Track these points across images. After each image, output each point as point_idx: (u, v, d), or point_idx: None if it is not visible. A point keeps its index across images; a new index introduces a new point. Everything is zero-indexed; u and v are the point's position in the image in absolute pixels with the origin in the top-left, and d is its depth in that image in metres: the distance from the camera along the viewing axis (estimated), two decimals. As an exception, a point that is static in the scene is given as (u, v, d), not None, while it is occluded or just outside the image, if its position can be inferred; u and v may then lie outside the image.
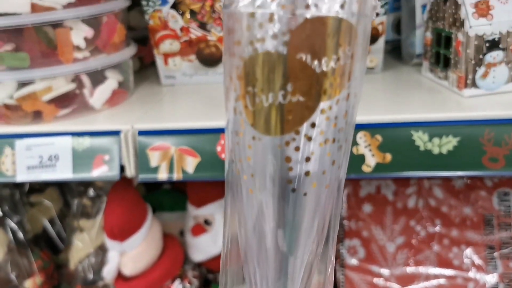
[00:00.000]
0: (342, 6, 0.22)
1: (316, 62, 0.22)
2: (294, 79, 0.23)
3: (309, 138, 0.24)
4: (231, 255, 0.31)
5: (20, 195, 0.94)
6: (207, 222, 0.82)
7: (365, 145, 0.59)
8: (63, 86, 0.68)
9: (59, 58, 0.67)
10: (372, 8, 0.25)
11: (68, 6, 0.65)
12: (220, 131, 0.62)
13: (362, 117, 0.59)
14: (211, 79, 0.80)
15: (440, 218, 0.77)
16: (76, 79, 0.69)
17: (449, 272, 0.75)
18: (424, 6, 0.74)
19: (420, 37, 0.75)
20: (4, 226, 0.86)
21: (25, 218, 0.92)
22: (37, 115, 0.69)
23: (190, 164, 0.62)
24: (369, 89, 0.72)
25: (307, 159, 0.24)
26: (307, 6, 0.22)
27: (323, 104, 0.23)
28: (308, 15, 0.22)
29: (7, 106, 0.68)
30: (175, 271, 0.80)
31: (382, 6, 0.72)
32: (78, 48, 0.68)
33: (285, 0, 0.22)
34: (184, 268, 0.85)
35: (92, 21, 0.68)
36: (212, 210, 0.81)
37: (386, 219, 0.78)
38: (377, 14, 0.73)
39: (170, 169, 0.63)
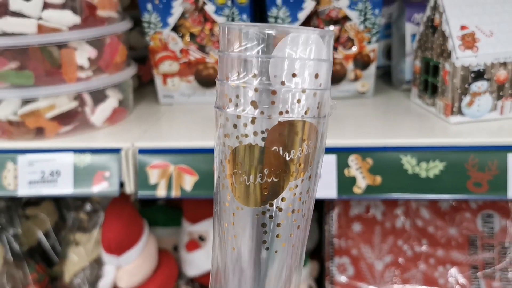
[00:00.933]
0: (306, 112, 0.30)
1: (286, 153, 0.29)
2: (269, 165, 0.30)
3: (279, 209, 0.31)
4: (219, 273, 0.35)
5: (16, 208, 0.96)
6: (201, 238, 0.84)
7: (356, 168, 0.62)
8: (65, 104, 0.71)
9: (63, 77, 0.69)
10: (330, 108, 0.32)
11: (73, 27, 0.68)
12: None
13: (354, 141, 0.62)
14: (208, 99, 0.83)
15: (427, 238, 0.80)
16: (79, 97, 0.72)
17: (434, 290, 0.78)
18: (413, 35, 0.78)
19: (410, 65, 0.79)
20: (1, 238, 0.87)
21: (21, 231, 0.94)
22: (39, 132, 0.71)
23: (188, 182, 0.65)
24: (361, 113, 0.75)
25: (278, 225, 0.31)
26: (281, 113, 0.29)
27: (291, 184, 0.30)
28: (281, 119, 0.29)
29: (10, 122, 0.70)
30: (169, 285, 0.82)
31: (374, 35, 0.76)
32: (81, 68, 0.70)
33: (264, 108, 0.29)
34: (178, 283, 0.86)
35: (96, 42, 0.71)
36: (207, 227, 0.84)
37: (374, 238, 0.81)
38: (369, 42, 0.77)
39: (169, 187, 0.65)
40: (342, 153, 0.62)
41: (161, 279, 0.80)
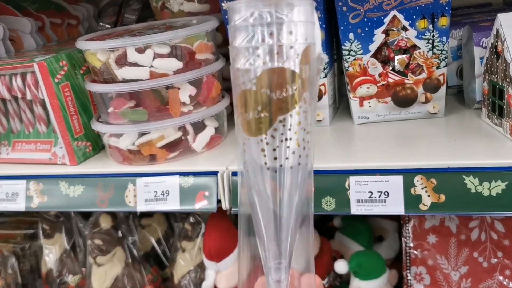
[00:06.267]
0: (284, 62, 0.38)
1: (272, 93, 0.38)
2: (261, 103, 0.38)
3: (273, 137, 0.39)
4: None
5: (133, 219, 1.13)
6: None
7: (421, 187, 0.69)
8: (172, 135, 0.85)
9: (169, 112, 0.84)
10: (318, 60, 0.40)
11: (177, 71, 0.82)
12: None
13: (419, 162, 0.69)
14: (404, 117, 0.88)
15: (502, 251, 0.83)
16: (182, 128, 0.85)
17: (510, 301, 0.82)
18: (482, 58, 0.82)
19: (479, 86, 0.83)
20: (122, 245, 1.04)
21: (138, 238, 1.11)
22: (152, 158, 0.85)
23: (274, 200, 0.75)
24: (430, 133, 0.81)
25: (274, 150, 0.40)
26: (264, 63, 0.39)
27: (280, 117, 0.39)
28: (265, 67, 0.38)
29: (130, 151, 0.85)
30: (261, 288, 0.94)
31: (442, 60, 0.82)
32: (184, 104, 0.84)
33: (253, 61, 0.39)
34: (268, 286, 0.97)
35: (195, 82, 0.84)
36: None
37: (450, 249, 0.86)
38: (438, 67, 0.83)
39: (257, 204, 0.76)
40: (408, 174, 0.69)
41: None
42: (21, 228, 1.21)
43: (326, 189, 0.73)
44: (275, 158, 0.39)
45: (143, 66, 0.80)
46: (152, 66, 0.81)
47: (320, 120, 0.91)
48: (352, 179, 0.71)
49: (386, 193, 0.70)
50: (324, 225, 1.10)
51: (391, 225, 1.05)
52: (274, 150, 0.39)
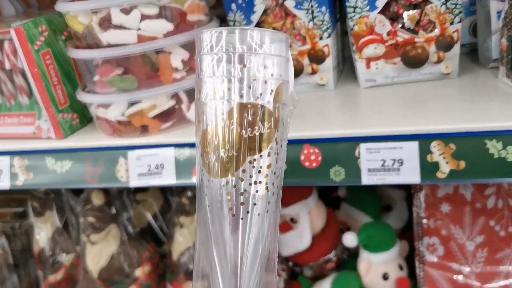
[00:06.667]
0: (258, 97, 0.36)
1: (243, 131, 0.34)
2: (229, 142, 0.35)
3: (241, 179, 0.36)
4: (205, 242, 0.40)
5: (128, 194, 1.08)
6: (293, 220, 0.89)
7: (439, 153, 0.63)
8: (165, 103, 0.78)
9: (160, 79, 0.77)
10: (292, 100, 0.37)
11: (167, 34, 0.75)
12: (303, 141, 0.69)
13: (435, 127, 0.63)
14: (414, 78, 0.81)
15: (520, 218, 0.79)
16: (175, 96, 0.79)
17: (529, 271, 0.77)
18: (499, 12, 0.75)
19: (496, 43, 0.77)
20: (117, 222, 0.99)
21: (133, 214, 1.05)
22: (144, 129, 0.79)
23: (277, 171, 0.70)
24: (445, 95, 0.75)
25: (241, 194, 0.36)
26: (234, 98, 0.36)
27: (249, 158, 0.35)
28: (236, 102, 0.36)
29: (120, 122, 0.79)
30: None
31: (456, 15, 0.75)
32: (176, 70, 0.78)
33: (223, 93, 0.36)
34: (272, 261, 0.93)
35: (188, 45, 0.77)
36: (297, 210, 0.89)
37: (465, 218, 0.81)
38: (452, 23, 0.76)
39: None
40: (424, 139, 0.63)
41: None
42: (10, 206, 1.16)
43: (335, 158, 0.67)
44: (242, 204, 0.36)
45: (129, 28, 0.73)
46: (139, 29, 0.74)
47: (324, 84, 0.85)
48: (363, 146, 0.65)
49: (400, 161, 0.64)
50: (328, 195, 1.05)
51: (399, 194, 1.00)
52: (242, 194, 0.36)
